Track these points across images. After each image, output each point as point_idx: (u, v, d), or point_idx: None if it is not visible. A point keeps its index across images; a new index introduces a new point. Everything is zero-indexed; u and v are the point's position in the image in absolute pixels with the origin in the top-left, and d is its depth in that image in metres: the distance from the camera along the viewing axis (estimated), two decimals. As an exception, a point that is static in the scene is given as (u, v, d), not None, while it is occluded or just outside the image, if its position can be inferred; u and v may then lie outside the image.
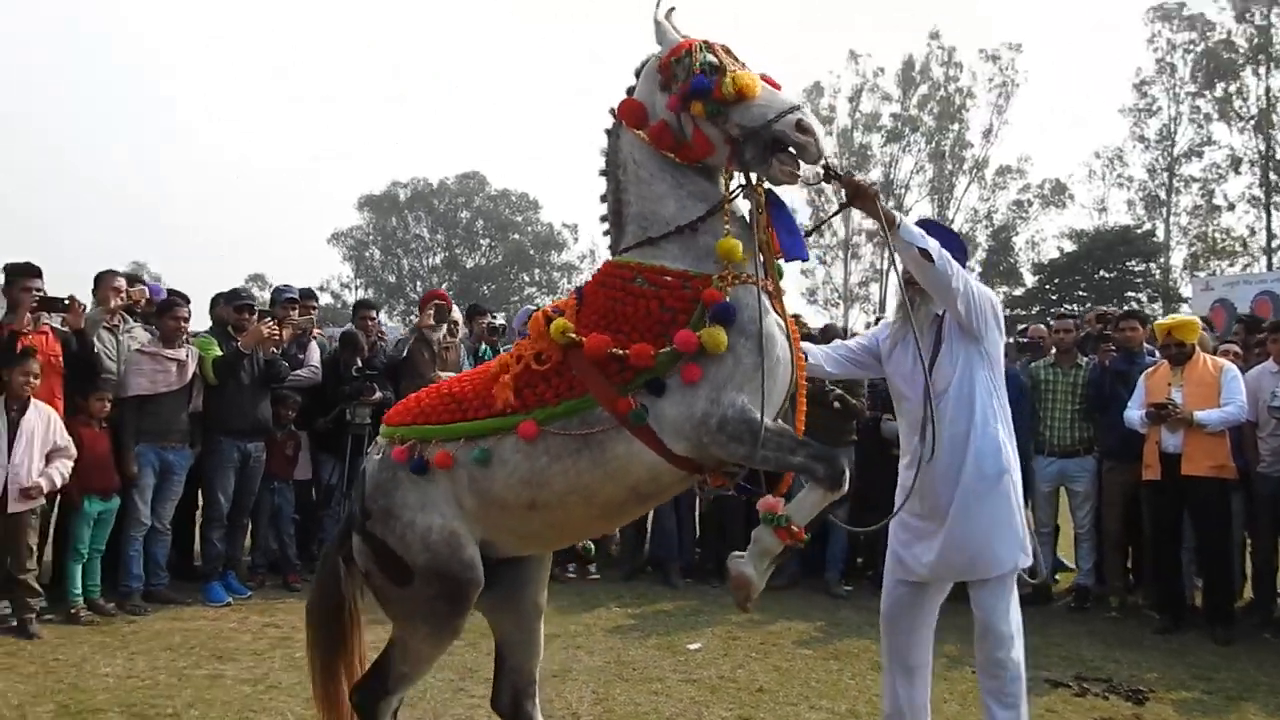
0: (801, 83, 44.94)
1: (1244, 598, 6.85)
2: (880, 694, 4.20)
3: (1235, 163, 37.86)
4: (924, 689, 3.99)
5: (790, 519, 2.95)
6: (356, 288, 53.72)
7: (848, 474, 2.98)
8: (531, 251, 54.96)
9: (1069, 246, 39.46)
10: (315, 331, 8.25)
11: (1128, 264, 37.05)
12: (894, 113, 42.64)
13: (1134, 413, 6.44)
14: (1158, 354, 6.86)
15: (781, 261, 3.28)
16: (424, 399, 3.48)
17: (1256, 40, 36.51)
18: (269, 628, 6.22)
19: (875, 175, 41.75)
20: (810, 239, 3.47)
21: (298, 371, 7.57)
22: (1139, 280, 37.42)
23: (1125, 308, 8.07)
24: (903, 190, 42.37)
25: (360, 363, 7.74)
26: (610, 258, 3.28)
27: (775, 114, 2.98)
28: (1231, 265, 37.26)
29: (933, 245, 3.63)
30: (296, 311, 7.80)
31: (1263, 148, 36.87)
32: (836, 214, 4.92)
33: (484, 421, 3.21)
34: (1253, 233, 37.86)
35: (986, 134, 41.65)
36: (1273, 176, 36.59)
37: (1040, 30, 65.29)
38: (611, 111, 3.29)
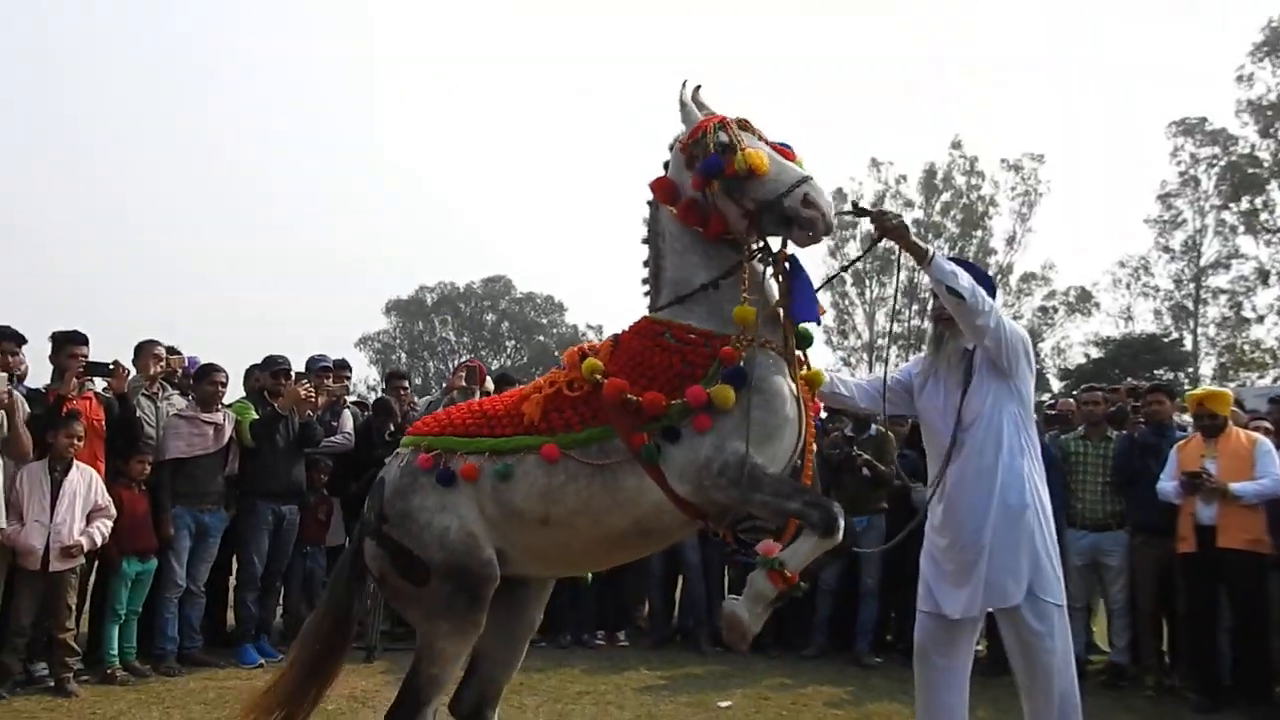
0: (825, 187, 45.81)
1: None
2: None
3: (1263, 275, 37.92)
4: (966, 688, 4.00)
5: (784, 563, 3.11)
6: (383, 392, 54.14)
7: (841, 522, 3.12)
8: (556, 353, 55.21)
9: (1095, 353, 39.42)
10: (348, 399, 8.42)
11: (1155, 372, 36.89)
12: (917, 219, 43.24)
13: (1167, 484, 6.42)
14: (1188, 429, 6.88)
15: (810, 326, 3.52)
16: (453, 413, 3.73)
17: None
18: (298, 687, 6.20)
19: (902, 278, 42.12)
20: (827, 307, 3.69)
21: (331, 438, 7.70)
22: (1183, 391, 37.10)
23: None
24: (926, 295, 42.70)
25: (393, 428, 7.86)
26: (647, 314, 3.55)
27: (785, 188, 3.24)
28: (1261, 378, 36.99)
29: (964, 281, 3.76)
30: (331, 379, 7.99)
31: (1290, 260, 37.00)
32: (868, 251, 5.22)
33: (510, 439, 3.46)
34: (1281, 344, 37.73)
35: (1010, 241, 42.04)
36: (1301, 288, 36.63)
37: (1062, 142, 66.38)
38: (649, 185, 3.57)
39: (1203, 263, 39.01)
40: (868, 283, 43.23)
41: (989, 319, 3.82)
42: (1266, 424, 7.19)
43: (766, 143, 3.39)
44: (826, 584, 7.25)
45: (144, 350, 7.01)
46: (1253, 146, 37.55)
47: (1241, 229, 38.15)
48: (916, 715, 4.07)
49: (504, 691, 3.89)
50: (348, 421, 7.96)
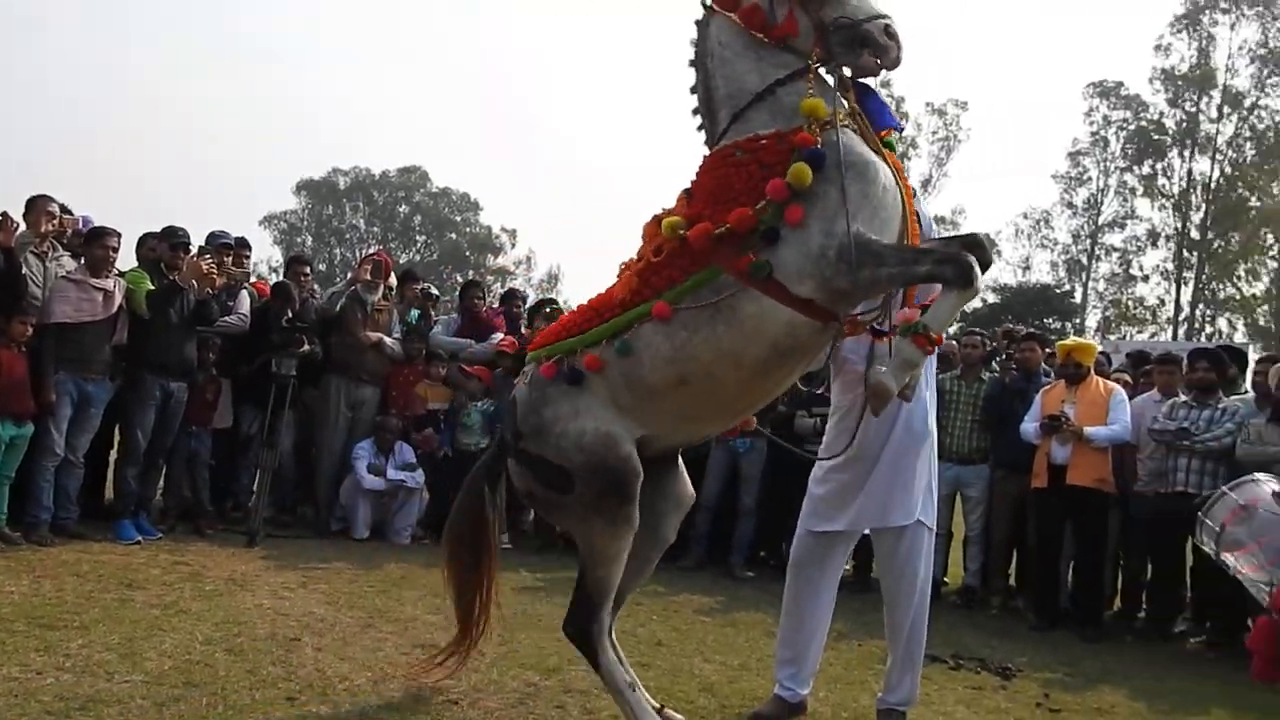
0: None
1: (1113, 608, 7.28)
2: (772, 654, 4.46)
3: (1153, 237, 39.57)
4: (820, 636, 4.25)
5: (927, 326, 3.14)
6: (284, 276, 52.76)
7: (978, 269, 3.12)
8: (468, 253, 54.67)
9: (992, 299, 40.69)
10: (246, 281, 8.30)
11: (1046, 321, 38.32)
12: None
13: (1029, 425, 6.86)
14: (1053, 375, 7.32)
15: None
16: (564, 319, 3.72)
17: (1185, 125, 38.28)
18: (179, 565, 6.24)
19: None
20: None
21: (226, 317, 7.58)
22: (1055, 337, 38.57)
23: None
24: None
25: (290, 315, 7.80)
26: (709, 152, 3.48)
27: (867, 16, 3.29)
28: (1140, 332, 38.78)
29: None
30: (230, 259, 7.86)
31: (1179, 226, 38.58)
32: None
33: (620, 317, 3.41)
34: (1162, 303, 39.56)
35: (925, 184, 42.69)
36: (1185, 254, 38.28)
37: (986, 90, 67.29)
38: (703, 3, 3.53)
39: (1100, 221, 40.41)
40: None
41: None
42: (1126, 376, 7.67)
43: None
44: (707, 501, 7.51)
45: (36, 205, 6.65)
46: (1161, 114, 38.79)
47: (1140, 191, 39.58)
48: (782, 622, 4.30)
49: (626, 600, 3.94)
50: (244, 302, 7.84)
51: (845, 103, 3.40)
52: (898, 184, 3.35)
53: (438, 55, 78.47)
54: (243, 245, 8.40)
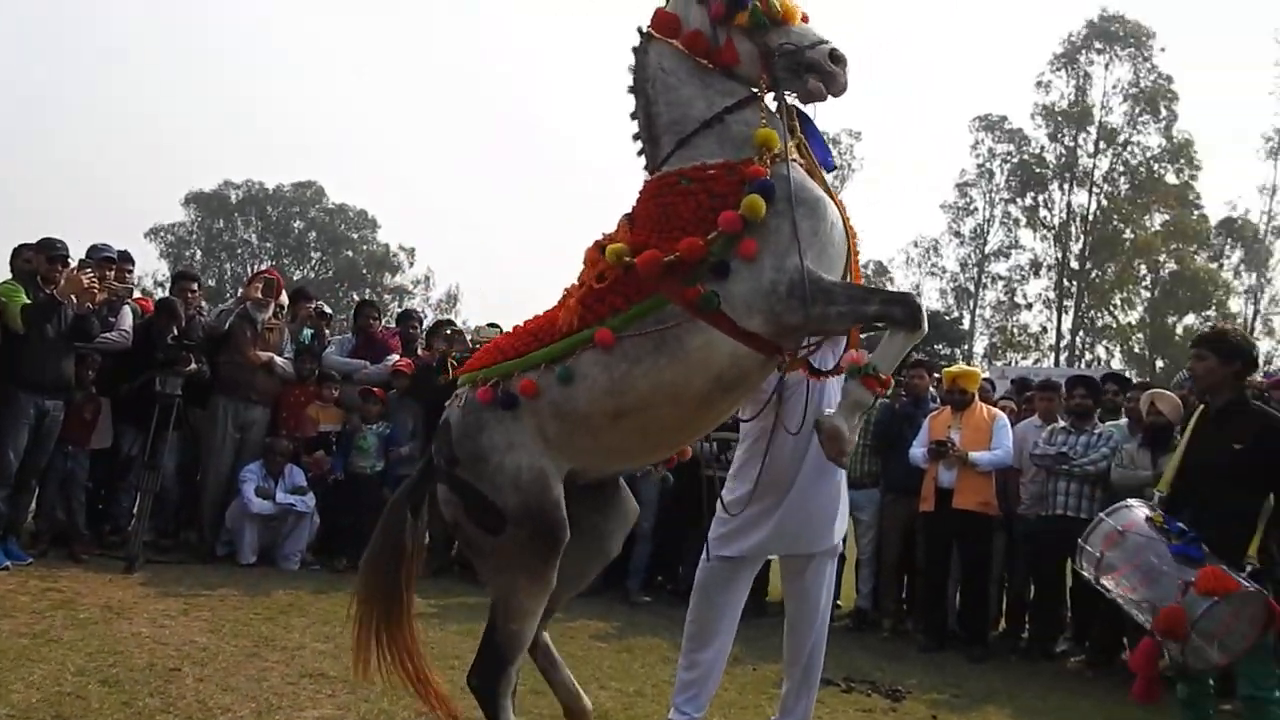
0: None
1: (998, 629, 7.51)
2: (668, 679, 4.46)
3: (1036, 266, 41.17)
4: (721, 661, 4.25)
5: (876, 367, 3.10)
6: (170, 292, 50.93)
7: (924, 312, 3.13)
8: (365, 271, 53.63)
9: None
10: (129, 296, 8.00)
11: (936, 347, 39.52)
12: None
13: (917, 450, 7.06)
14: (939, 401, 7.57)
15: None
16: (501, 342, 3.59)
17: (1064, 159, 40.05)
18: (51, 591, 5.97)
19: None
20: None
21: (107, 334, 7.28)
22: (944, 363, 39.84)
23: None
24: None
25: (176, 332, 7.54)
26: (649, 177, 3.42)
27: (811, 42, 3.25)
28: (1025, 359, 40.27)
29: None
30: (113, 273, 7.57)
31: (1060, 256, 40.25)
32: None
33: (561, 343, 3.31)
34: (1045, 331, 41.17)
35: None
36: (1066, 283, 39.95)
37: (879, 121, 69.30)
38: (640, 29, 3.48)
39: (987, 250, 41.89)
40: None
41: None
42: (1011, 404, 7.96)
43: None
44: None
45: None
46: (1042, 148, 40.48)
47: (1023, 222, 41.18)
48: (684, 646, 4.26)
49: (555, 610, 3.83)
50: (126, 318, 7.52)
51: (791, 134, 3.39)
52: (844, 220, 3.36)
53: (336, 68, 77.06)
54: (125, 259, 8.09)
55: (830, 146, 3.55)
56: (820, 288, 3.08)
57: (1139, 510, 4.23)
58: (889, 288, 3.67)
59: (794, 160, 3.27)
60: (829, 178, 3.52)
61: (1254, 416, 4.29)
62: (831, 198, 3.34)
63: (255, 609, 6.08)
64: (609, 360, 3.22)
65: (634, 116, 3.47)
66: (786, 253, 3.10)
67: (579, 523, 3.51)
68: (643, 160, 3.49)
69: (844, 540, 4.39)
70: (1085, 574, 4.36)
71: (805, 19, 3.38)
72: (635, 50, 3.49)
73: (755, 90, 3.33)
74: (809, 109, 3.45)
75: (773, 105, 3.34)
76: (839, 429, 3.11)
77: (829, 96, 3.29)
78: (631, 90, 3.47)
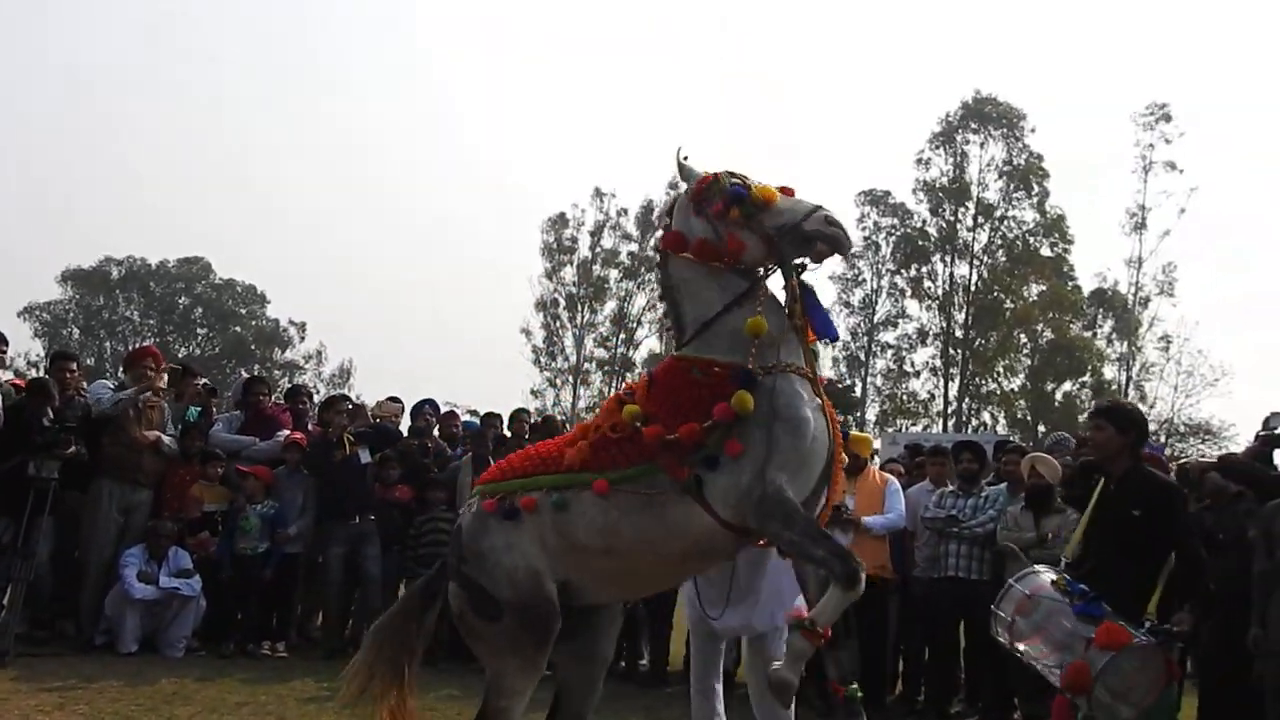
0: (547, 211, 46.74)
1: (895, 692, 7.59)
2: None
3: (923, 335, 42.55)
4: (720, 703, 4.95)
5: (815, 621, 3.43)
6: (46, 370, 48.85)
7: (862, 575, 3.40)
8: (254, 346, 52.30)
9: (779, 394, 42.45)
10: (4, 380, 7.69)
11: (829, 415, 40.35)
12: (632, 251, 44.79)
13: (812, 515, 7.15)
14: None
15: (816, 345, 3.95)
16: (514, 460, 4.07)
17: (945, 232, 41.75)
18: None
19: (610, 307, 43.68)
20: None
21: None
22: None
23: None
24: (635, 325, 44.31)
25: (51, 414, 7.22)
26: (674, 354, 3.91)
27: (804, 214, 3.67)
28: (914, 425, 41.37)
29: None
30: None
31: (944, 325, 41.74)
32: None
33: (563, 475, 3.80)
34: (932, 398, 42.41)
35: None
36: (951, 351, 41.39)
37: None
38: (654, 247, 4.12)
39: (875, 319, 43.17)
40: (579, 307, 44.28)
41: None
42: (899, 467, 8.17)
43: None
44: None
45: None
46: (924, 222, 42.16)
47: (909, 293, 42.63)
48: (692, 696, 5.00)
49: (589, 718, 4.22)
50: (-5, 398, 7.22)
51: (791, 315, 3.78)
52: (828, 428, 3.71)
53: (224, 139, 75.85)
54: (-2, 339, 7.79)
55: (831, 315, 4.01)
56: (785, 510, 3.46)
57: (1045, 575, 4.45)
58: (834, 543, 4.15)
59: (789, 370, 3.68)
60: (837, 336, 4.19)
61: (1146, 482, 4.58)
62: (823, 408, 3.73)
63: (137, 699, 5.82)
64: (605, 505, 3.69)
65: (665, 317, 4.04)
66: (767, 464, 3.50)
67: (574, 633, 3.95)
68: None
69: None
70: (1000, 638, 4.54)
71: (790, 192, 3.83)
72: (658, 265, 4.04)
73: (759, 276, 3.80)
74: (813, 278, 3.86)
75: (780, 284, 3.81)
76: (786, 679, 3.50)
77: (843, 253, 3.78)
78: (660, 298, 4.03)
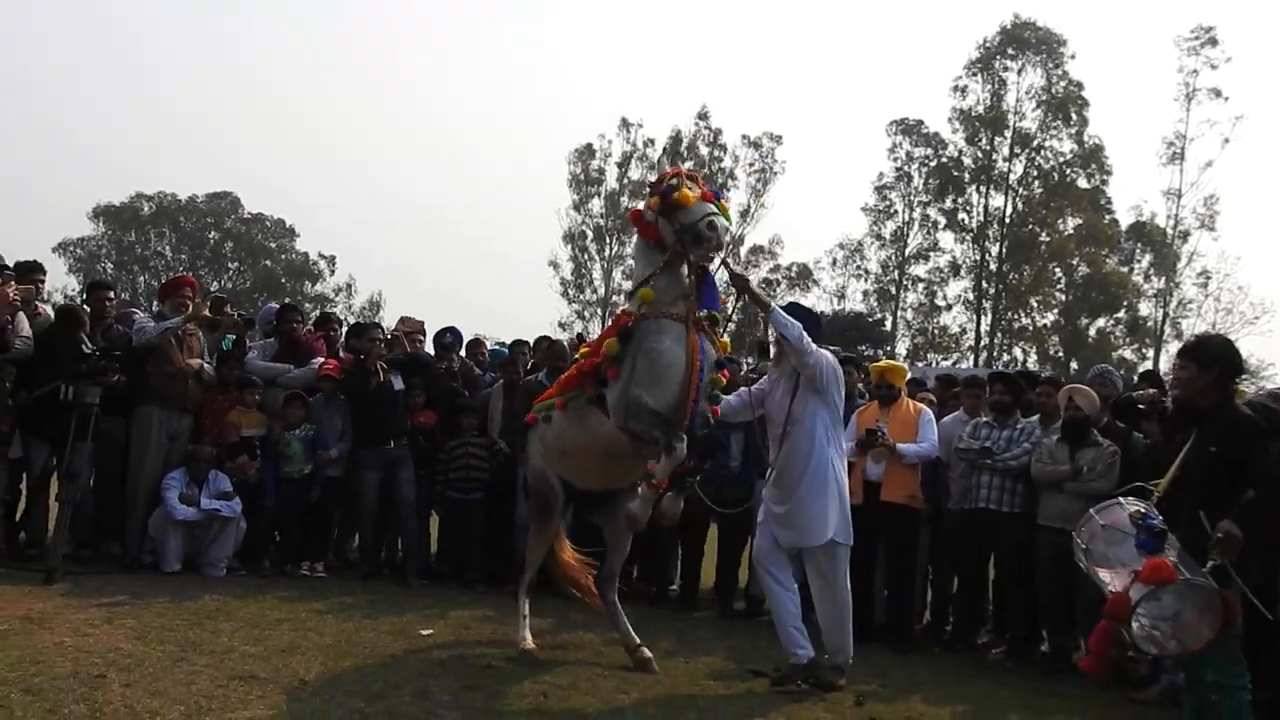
0: (573, 143, 46.29)
1: (923, 621, 7.63)
2: (601, 673, 4.62)
3: (955, 269, 42.04)
4: (793, 581, 5.80)
5: (649, 474, 4.99)
6: (83, 300, 49.18)
7: (677, 445, 4.89)
8: (284, 280, 52.54)
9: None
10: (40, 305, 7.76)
11: (859, 348, 40.06)
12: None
13: (846, 443, 7.12)
14: (867, 396, 7.68)
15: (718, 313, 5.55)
16: (559, 380, 6.04)
17: (981, 163, 40.96)
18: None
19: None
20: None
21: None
22: (868, 363, 40.34)
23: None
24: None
25: (92, 344, 7.31)
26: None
27: (696, 218, 5.09)
28: (945, 359, 41.12)
29: (793, 331, 5.52)
30: (13, 285, 7.29)
31: (978, 258, 41.18)
32: (737, 303, 7.59)
33: (553, 397, 5.73)
34: (964, 331, 42.07)
35: (744, 214, 43.85)
36: (984, 285, 40.88)
37: (801, 124, 70.09)
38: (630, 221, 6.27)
39: (907, 252, 42.67)
40: (608, 240, 44.08)
41: (808, 358, 5.53)
42: (931, 397, 8.13)
43: (701, 190, 5.22)
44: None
45: None
46: (960, 152, 41.38)
47: (942, 225, 42.04)
48: (767, 583, 5.87)
49: (617, 574, 6.16)
50: (24, 325, 7.25)
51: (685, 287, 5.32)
52: (688, 355, 5.13)
53: (253, 76, 75.50)
54: (37, 269, 7.88)
55: (718, 290, 5.55)
56: (639, 409, 5.02)
57: (1127, 508, 4.46)
58: (665, 426, 4.68)
59: (663, 315, 5.19)
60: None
61: (1226, 419, 4.49)
62: (688, 338, 5.20)
63: (181, 614, 5.98)
64: (561, 417, 5.64)
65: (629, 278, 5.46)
66: (630, 383, 5.10)
67: (604, 506, 5.97)
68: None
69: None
70: (1080, 563, 4.59)
71: (709, 195, 5.27)
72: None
73: (663, 260, 5.28)
74: (715, 263, 5.47)
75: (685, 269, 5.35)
76: (633, 513, 5.11)
77: (709, 253, 5.24)
78: (633, 258, 5.86)
